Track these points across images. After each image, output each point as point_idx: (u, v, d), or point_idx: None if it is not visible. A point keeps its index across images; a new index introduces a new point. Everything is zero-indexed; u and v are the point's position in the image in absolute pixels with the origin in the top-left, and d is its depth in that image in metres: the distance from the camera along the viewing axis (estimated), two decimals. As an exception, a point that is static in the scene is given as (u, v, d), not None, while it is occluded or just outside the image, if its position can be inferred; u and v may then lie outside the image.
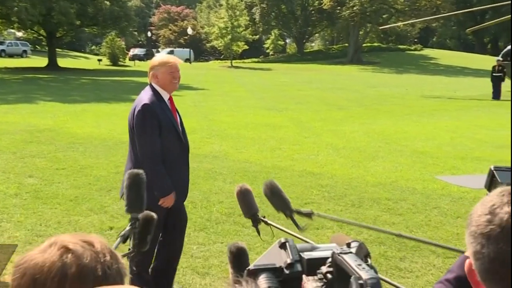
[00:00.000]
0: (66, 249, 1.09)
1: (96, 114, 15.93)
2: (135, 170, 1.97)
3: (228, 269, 1.35)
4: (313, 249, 1.27)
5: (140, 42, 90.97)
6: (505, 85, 24.81)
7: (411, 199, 7.20)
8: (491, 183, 2.27)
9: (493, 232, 0.91)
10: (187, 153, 4.36)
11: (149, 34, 78.47)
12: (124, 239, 1.93)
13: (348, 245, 1.27)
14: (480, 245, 0.93)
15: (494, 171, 2.20)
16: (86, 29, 50.21)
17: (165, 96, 4.02)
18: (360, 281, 1.00)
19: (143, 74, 38.92)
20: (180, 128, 4.15)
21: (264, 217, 1.96)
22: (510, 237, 0.90)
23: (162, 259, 4.18)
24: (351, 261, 1.08)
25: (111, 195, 7.20)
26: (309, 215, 1.96)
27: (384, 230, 2.19)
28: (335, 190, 7.61)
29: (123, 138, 11.79)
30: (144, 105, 3.88)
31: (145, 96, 3.96)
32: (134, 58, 60.05)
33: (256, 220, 1.95)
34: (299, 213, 1.93)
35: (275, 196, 1.94)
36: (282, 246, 1.27)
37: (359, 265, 1.05)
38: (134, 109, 3.93)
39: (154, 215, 1.85)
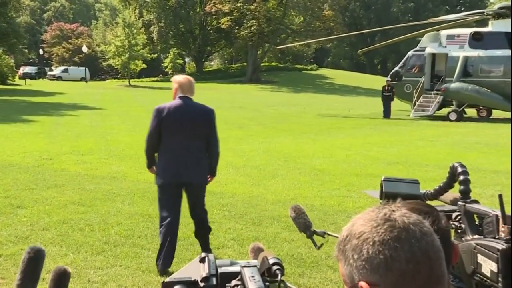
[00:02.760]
0: None
1: (-17, 135, 15.04)
2: (37, 246, 1.85)
3: None
4: (232, 264, 1.32)
5: (31, 60, 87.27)
6: (394, 104, 26.28)
7: (309, 216, 7.37)
8: (381, 192, 2.51)
9: (401, 234, 0.97)
10: None
11: (41, 51, 75.38)
12: None
13: (263, 259, 1.33)
14: (393, 249, 0.96)
15: (382, 182, 2.45)
16: (-30, 45, 47.46)
17: None
18: None
19: (35, 93, 37.49)
20: None
21: (315, 231, 2.09)
22: (416, 235, 0.97)
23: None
24: (248, 273, 1.14)
25: None
26: (322, 234, 2.15)
27: None
28: (236, 209, 7.68)
29: (13, 160, 11.23)
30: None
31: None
32: (24, 76, 57.38)
33: (311, 234, 2.10)
34: (316, 233, 2.11)
35: (300, 218, 2.10)
36: (202, 260, 1.31)
37: (252, 277, 1.12)
38: (206, 112, 5.39)
39: (68, 269, 1.77)
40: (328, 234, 2.23)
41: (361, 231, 1.01)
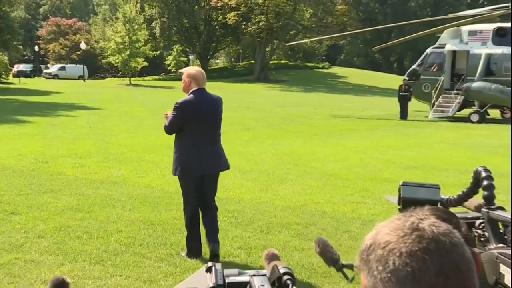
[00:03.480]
0: None
1: (-25, 137, 15.14)
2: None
3: None
4: (240, 274, 1.33)
5: (26, 57, 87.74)
6: (411, 104, 26.20)
7: (321, 223, 7.41)
8: (399, 198, 2.50)
9: (430, 245, 0.96)
10: None
11: (36, 48, 75.80)
12: None
13: (273, 268, 1.35)
14: (421, 261, 0.95)
15: (400, 186, 2.44)
16: (-39, 41, 47.82)
17: None
18: None
19: (30, 92, 37.70)
20: None
21: (343, 264, 2.15)
22: (446, 246, 0.96)
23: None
24: (257, 282, 1.15)
25: (-7, 227, 6.85)
26: (351, 267, 2.18)
27: None
28: (243, 216, 7.68)
29: (6, 163, 11.28)
30: None
31: None
32: (19, 74, 57.78)
33: (340, 267, 2.13)
34: (344, 266, 2.15)
35: (325, 252, 2.13)
36: (208, 270, 1.32)
37: (261, 286, 1.13)
38: (221, 102, 5.98)
39: (66, 279, 1.77)
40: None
41: (386, 240, 1.01)
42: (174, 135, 6.04)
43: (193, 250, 5.90)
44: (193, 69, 5.99)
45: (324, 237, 2.19)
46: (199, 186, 5.89)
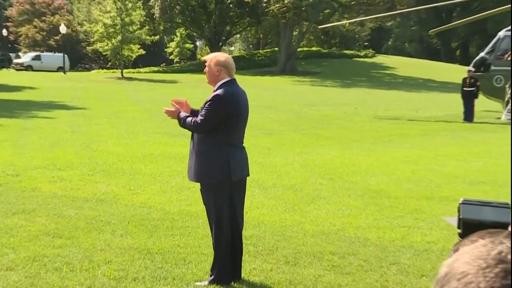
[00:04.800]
0: None
1: None
2: None
3: None
4: None
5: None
6: (479, 102, 25.95)
7: (362, 253, 7.38)
8: (458, 220, 2.47)
9: None
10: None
11: (4, 32, 76.62)
12: None
13: None
14: None
15: (460, 206, 2.40)
16: None
17: None
18: None
19: (-2, 87, 37.93)
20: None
21: None
22: None
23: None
24: None
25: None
26: None
27: None
28: (263, 243, 7.68)
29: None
30: None
31: None
32: (-16, 65, 58.39)
33: None
34: None
35: None
36: None
37: None
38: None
39: None
40: None
41: (463, 271, 1.00)
42: (188, 136, 6.34)
43: (227, 277, 6.15)
44: (222, 55, 6.23)
45: None
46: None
